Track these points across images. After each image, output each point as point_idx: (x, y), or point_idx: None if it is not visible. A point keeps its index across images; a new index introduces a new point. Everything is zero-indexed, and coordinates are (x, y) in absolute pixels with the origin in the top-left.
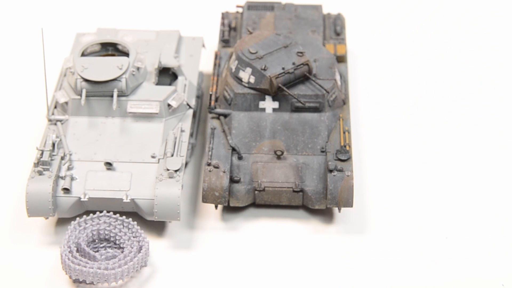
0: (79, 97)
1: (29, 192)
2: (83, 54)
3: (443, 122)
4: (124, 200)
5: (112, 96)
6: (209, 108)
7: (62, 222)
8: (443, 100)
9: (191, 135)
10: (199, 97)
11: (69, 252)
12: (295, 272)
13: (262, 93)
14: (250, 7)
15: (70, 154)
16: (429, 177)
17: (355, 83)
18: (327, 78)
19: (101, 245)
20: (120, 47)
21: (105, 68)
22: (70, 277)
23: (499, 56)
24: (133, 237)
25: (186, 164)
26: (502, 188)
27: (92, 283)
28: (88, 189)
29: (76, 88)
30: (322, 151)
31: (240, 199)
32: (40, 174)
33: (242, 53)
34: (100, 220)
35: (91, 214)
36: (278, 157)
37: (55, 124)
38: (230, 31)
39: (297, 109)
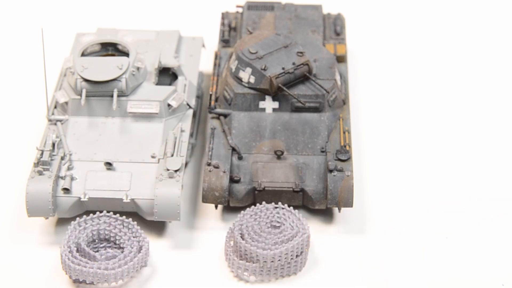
0: (79, 97)
1: (29, 192)
2: (83, 54)
3: (443, 122)
4: (124, 200)
5: (112, 96)
6: (209, 108)
7: (62, 222)
8: (444, 99)
9: (191, 135)
10: (199, 97)
11: (69, 252)
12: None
13: (262, 93)
14: (250, 7)
15: (70, 154)
16: (429, 177)
17: (355, 83)
18: (327, 78)
19: (101, 245)
20: (120, 47)
21: (105, 68)
22: (70, 277)
23: (500, 55)
24: (133, 237)
25: (186, 164)
26: (502, 188)
27: (92, 283)
28: (88, 189)
29: (76, 88)
30: (322, 151)
31: (240, 199)
32: (40, 174)
33: (242, 53)
34: (100, 220)
35: (91, 214)
36: (278, 157)
37: (55, 124)
38: (230, 31)
39: (297, 109)
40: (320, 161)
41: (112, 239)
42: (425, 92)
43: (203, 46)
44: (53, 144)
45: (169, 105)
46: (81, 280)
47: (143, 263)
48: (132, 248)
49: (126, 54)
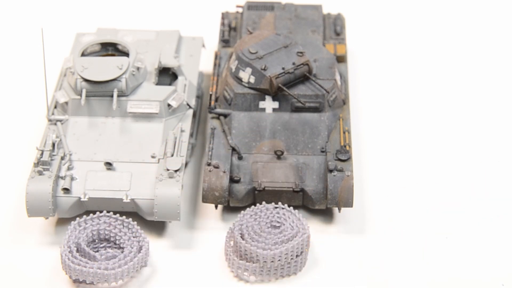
0: (79, 97)
1: (29, 192)
2: (83, 54)
3: (443, 122)
4: (124, 200)
5: (112, 96)
6: (209, 108)
7: (62, 222)
8: (444, 99)
9: (191, 135)
10: (199, 97)
11: (69, 252)
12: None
13: (262, 93)
14: (250, 7)
15: (70, 154)
16: (429, 177)
17: (355, 83)
18: (327, 78)
19: (101, 245)
20: (120, 47)
21: (105, 68)
22: (70, 277)
23: (499, 55)
24: (133, 237)
25: (186, 164)
26: (502, 188)
27: (92, 283)
28: (88, 189)
29: (76, 88)
30: (322, 151)
31: (240, 199)
32: (40, 174)
33: (242, 53)
34: (100, 220)
35: (91, 214)
36: (278, 157)
37: (55, 124)
38: (230, 31)
39: (297, 109)
40: (320, 161)
41: (112, 239)
42: (425, 92)
43: (203, 46)
44: (53, 144)
45: (169, 105)
46: (81, 280)
47: (143, 263)
48: (132, 248)
49: (126, 54)
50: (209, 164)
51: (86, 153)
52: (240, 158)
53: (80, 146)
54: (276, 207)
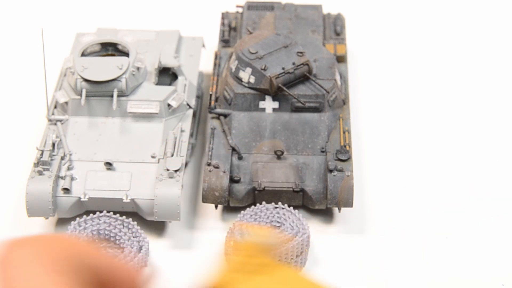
0: (79, 97)
1: (29, 192)
2: (83, 54)
3: (443, 122)
4: (124, 200)
5: (112, 96)
6: (209, 108)
7: (62, 222)
8: (443, 99)
9: (191, 135)
10: (199, 97)
11: None
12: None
13: (262, 93)
14: (250, 7)
15: (70, 154)
16: (429, 177)
17: (355, 83)
18: (327, 78)
19: (101, 245)
20: (120, 47)
21: (105, 68)
22: None
23: (499, 55)
24: (133, 237)
25: (186, 164)
26: (502, 188)
27: None
28: (88, 189)
29: (76, 88)
30: (322, 151)
31: (240, 199)
32: (40, 174)
33: (242, 53)
34: (100, 220)
35: (91, 214)
36: (278, 157)
37: (55, 124)
38: (230, 31)
39: (297, 109)
40: (320, 161)
41: (112, 239)
42: (425, 92)
43: (203, 46)
44: (53, 144)
45: (169, 105)
46: None
47: (143, 263)
48: (132, 248)
49: (126, 54)
50: (209, 164)
51: (86, 153)
52: (240, 158)
53: (80, 146)
54: (276, 207)
